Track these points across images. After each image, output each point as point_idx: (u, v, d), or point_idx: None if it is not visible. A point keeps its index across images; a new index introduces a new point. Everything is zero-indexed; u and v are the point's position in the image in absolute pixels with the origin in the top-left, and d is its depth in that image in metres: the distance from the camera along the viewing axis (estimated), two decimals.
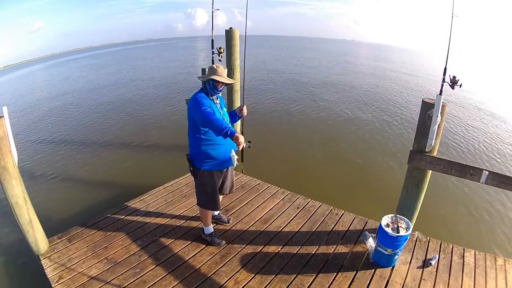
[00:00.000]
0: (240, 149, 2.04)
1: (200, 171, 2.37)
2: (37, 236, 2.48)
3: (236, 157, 2.20)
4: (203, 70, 2.62)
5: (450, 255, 2.55)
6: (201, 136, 2.26)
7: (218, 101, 2.37)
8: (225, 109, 2.46)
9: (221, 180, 2.53)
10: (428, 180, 2.64)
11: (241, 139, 1.98)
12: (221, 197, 2.88)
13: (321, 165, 5.42)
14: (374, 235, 2.67)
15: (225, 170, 2.51)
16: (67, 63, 31.26)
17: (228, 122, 2.39)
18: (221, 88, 2.32)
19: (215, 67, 2.28)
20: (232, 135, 1.97)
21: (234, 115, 2.55)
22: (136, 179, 4.79)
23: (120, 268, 2.39)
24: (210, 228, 2.73)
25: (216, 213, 2.98)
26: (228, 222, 3.00)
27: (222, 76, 2.27)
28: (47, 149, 6.39)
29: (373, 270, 2.39)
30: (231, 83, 2.43)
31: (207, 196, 2.49)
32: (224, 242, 2.72)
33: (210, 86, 2.27)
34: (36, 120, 8.83)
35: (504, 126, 8.22)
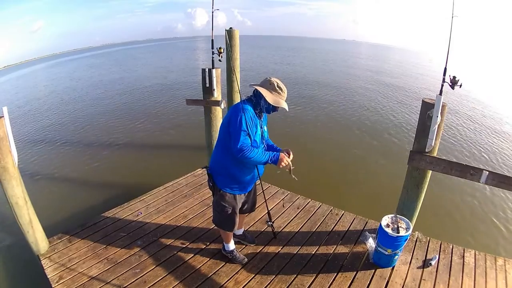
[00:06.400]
0: (285, 166, 1.82)
1: (221, 191, 2.11)
2: (37, 236, 2.48)
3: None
4: (264, 83, 2.02)
5: (450, 255, 2.55)
6: (231, 156, 1.93)
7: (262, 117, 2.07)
8: (266, 127, 2.15)
9: (243, 201, 2.28)
10: (428, 180, 2.64)
11: (286, 159, 1.81)
12: (241, 216, 2.46)
13: (321, 165, 5.42)
14: (374, 235, 2.67)
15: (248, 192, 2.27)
16: (67, 63, 31.26)
17: (265, 143, 2.13)
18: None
19: (282, 90, 1.92)
20: (276, 161, 1.82)
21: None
22: (136, 179, 4.79)
23: (120, 268, 2.39)
24: (231, 245, 2.46)
25: (241, 231, 2.68)
26: (254, 243, 2.67)
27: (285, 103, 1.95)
28: (47, 149, 6.40)
29: (373, 270, 2.39)
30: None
31: (225, 217, 2.20)
32: (246, 259, 2.48)
33: (267, 106, 1.94)
34: (36, 120, 8.83)
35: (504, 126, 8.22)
